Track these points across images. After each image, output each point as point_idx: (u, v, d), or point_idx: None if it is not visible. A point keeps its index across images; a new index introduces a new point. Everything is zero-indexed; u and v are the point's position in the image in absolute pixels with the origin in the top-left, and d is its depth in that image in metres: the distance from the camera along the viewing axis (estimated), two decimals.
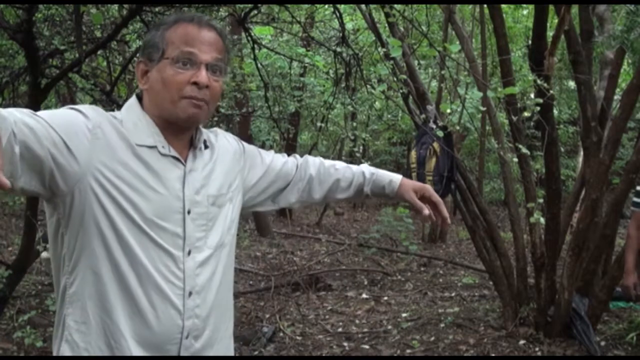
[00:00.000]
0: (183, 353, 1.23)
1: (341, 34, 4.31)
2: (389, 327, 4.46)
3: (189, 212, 1.24)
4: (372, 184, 1.58)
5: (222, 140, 1.41)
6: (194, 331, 1.25)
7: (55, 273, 1.25)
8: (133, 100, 1.28)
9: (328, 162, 1.62)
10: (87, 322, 1.19)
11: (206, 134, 1.37)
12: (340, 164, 1.61)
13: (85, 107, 1.20)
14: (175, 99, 1.21)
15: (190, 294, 1.23)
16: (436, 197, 1.51)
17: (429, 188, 1.53)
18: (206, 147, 1.33)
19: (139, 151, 1.20)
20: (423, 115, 3.91)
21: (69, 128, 1.11)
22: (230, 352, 1.40)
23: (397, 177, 1.58)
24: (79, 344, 1.19)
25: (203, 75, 1.20)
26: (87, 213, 1.16)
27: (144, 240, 1.19)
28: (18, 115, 1.01)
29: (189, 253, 1.24)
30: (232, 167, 1.39)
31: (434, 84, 8.00)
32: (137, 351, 1.19)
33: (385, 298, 5.37)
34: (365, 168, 1.61)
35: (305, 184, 1.57)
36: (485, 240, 4.27)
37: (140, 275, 1.19)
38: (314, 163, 1.59)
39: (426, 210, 1.48)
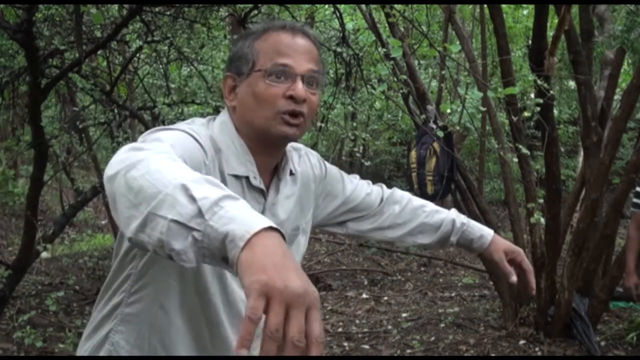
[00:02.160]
0: None
1: (341, 34, 4.31)
2: (389, 327, 4.46)
3: None
4: (460, 235, 1.43)
5: (306, 164, 1.28)
6: None
7: (110, 281, 1.17)
8: (226, 117, 1.16)
9: (417, 202, 1.46)
10: (142, 348, 1.13)
11: (290, 156, 1.24)
12: (430, 206, 1.46)
13: (200, 134, 1.08)
14: (269, 115, 1.10)
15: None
16: (527, 264, 1.37)
17: (520, 252, 1.39)
18: (290, 173, 1.23)
19: (229, 184, 1.10)
20: (423, 115, 3.91)
21: (191, 161, 1.00)
22: None
23: (488, 233, 1.42)
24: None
25: (300, 89, 1.09)
26: None
27: (219, 284, 1.12)
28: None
29: None
30: (309, 194, 1.28)
31: (434, 84, 7.99)
32: None
33: (385, 298, 5.37)
34: (456, 216, 1.46)
35: (385, 218, 1.42)
36: None
37: (209, 318, 1.12)
38: (401, 198, 1.45)
39: (514, 277, 1.34)
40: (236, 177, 1.11)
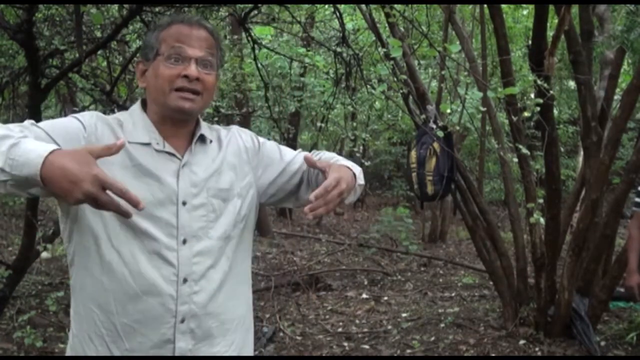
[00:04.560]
0: (179, 336, 1.27)
1: (341, 34, 4.31)
2: (389, 327, 4.46)
3: (184, 204, 1.29)
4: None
5: (234, 137, 1.44)
6: (191, 317, 1.28)
7: None
8: (137, 103, 1.38)
9: (326, 156, 1.48)
10: (79, 313, 1.30)
11: (215, 130, 1.43)
12: (327, 155, 1.49)
13: (84, 115, 1.30)
14: (167, 91, 1.29)
15: (185, 280, 1.27)
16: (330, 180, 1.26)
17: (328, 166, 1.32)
18: (212, 141, 1.39)
19: (131, 149, 1.28)
20: (423, 115, 3.91)
21: (65, 136, 1.22)
22: (248, 344, 1.43)
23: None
24: (74, 331, 1.31)
25: (192, 69, 1.28)
26: (80, 212, 1.24)
27: (134, 231, 1.25)
28: (17, 132, 1.13)
29: (184, 242, 1.28)
30: (242, 163, 1.42)
31: (434, 84, 7.99)
32: (127, 335, 1.25)
33: (385, 298, 5.37)
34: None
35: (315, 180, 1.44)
36: (485, 240, 4.27)
37: (128, 264, 1.25)
38: (325, 157, 1.46)
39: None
40: (142, 144, 1.30)
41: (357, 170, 1.40)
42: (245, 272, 1.43)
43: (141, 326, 1.25)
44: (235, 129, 1.48)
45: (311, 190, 1.30)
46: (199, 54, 1.30)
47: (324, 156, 1.47)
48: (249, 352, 1.43)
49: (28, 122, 1.21)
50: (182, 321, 1.27)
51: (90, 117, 1.30)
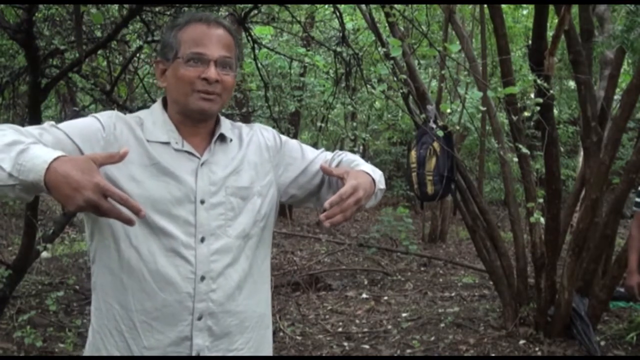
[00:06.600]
0: (196, 333, 1.28)
1: (341, 34, 4.31)
2: (389, 327, 4.46)
3: (202, 202, 1.30)
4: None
5: (256, 135, 1.44)
6: (209, 314, 1.29)
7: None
8: (159, 101, 1.40)
9: (349, 157, 1.47)
10: (100, 310, 1.31)
11: (237, 127, 1.43)
12: (349, 156, 1.48)
13: (103, 114, 1.32)
14: (188, 93, 1.29)
15: (202, 278, 1.28)
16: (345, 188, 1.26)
17: (349, 173, 1.31)
18: (232, 140, 1.39)
19: (150, 148, 1.29)
20: (423, 115, 3.91)
21: (84, 137, 1.25)
22: (267, 341, 1.46)
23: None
24: (94, 327, 1.33)
25: (212, 72, 1.28)
26: None
27: (152, 229, 1.26)
28: (36, 135, 1.17)
29: (202, 240, 1.29)
30: (263, 161, 1.41)
31: (434, 84, 7.99)
32: (145, 332, 1.27)
33: (385, 298, 5.37)
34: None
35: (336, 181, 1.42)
36: (485, 240, 4.27)
37: (146, 262, 1.26)
38: (347, 160, 1.46)
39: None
40: (162, 143, 1.31)
41: (377, 175, 1.40)
42: (265, 272, 1.44)
43: (159, 323, 1.26)
44: (257, 126, 1.47)
45: (332, 193, 1.31)
46: (218, 54, 1.30)
47: (345, 158, 1.46)
48: (268, 349, 1.46)
49: (48, 124, 1.24)
50: (200, 318, 1.28)
51: (109, 117, 1.31)
